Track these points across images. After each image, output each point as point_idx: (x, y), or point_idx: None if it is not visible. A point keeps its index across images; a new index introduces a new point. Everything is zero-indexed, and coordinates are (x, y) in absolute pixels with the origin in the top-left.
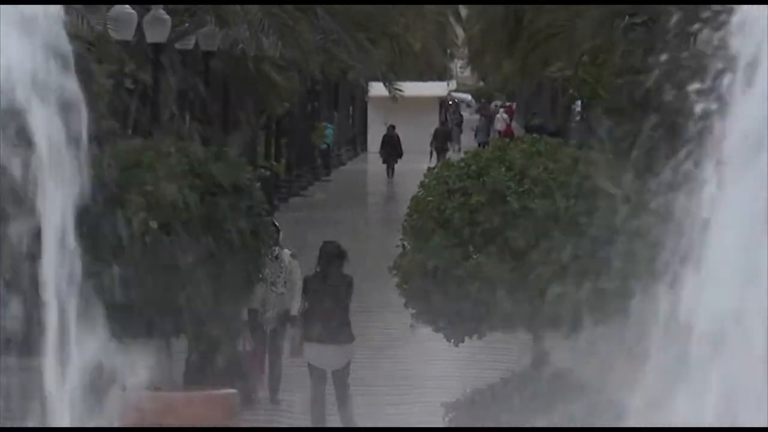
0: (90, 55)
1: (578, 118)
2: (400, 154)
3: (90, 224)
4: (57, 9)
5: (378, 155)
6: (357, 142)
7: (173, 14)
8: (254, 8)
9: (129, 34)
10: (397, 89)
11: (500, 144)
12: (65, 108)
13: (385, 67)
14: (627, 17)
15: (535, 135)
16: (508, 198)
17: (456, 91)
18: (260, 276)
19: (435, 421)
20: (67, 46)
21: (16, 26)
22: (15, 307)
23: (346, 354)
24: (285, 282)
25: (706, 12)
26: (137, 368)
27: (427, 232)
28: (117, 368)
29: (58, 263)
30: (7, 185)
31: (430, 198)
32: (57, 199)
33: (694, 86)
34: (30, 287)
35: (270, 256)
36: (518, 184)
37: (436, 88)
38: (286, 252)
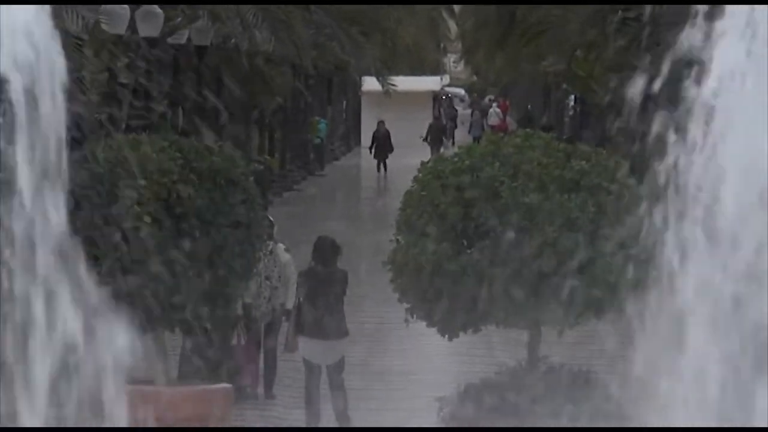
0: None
1: (571, 113)
2: (390, 150)
3: (83, 218)
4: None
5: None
6: (350, 137)
7: (166, 9)
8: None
9: (121, 29)
10: (390, 84)
11: (494, 139)
12: (56, 100)
13: (378, 61)
14: (620, 12)
15: (528, 130)
16: (502, 193)
17: (449, 85)
18: (254, 270)
19: (429, 416)
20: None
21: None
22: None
23: (340, 348)
24: (279, 276)
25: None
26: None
27: (421, 227)
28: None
29: (52, 257)
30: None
31: (423, 193)
32: (52, 194)
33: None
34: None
35: (264, 251)
36: (512, 178)
37: (429, 83)
38: (281, 246)
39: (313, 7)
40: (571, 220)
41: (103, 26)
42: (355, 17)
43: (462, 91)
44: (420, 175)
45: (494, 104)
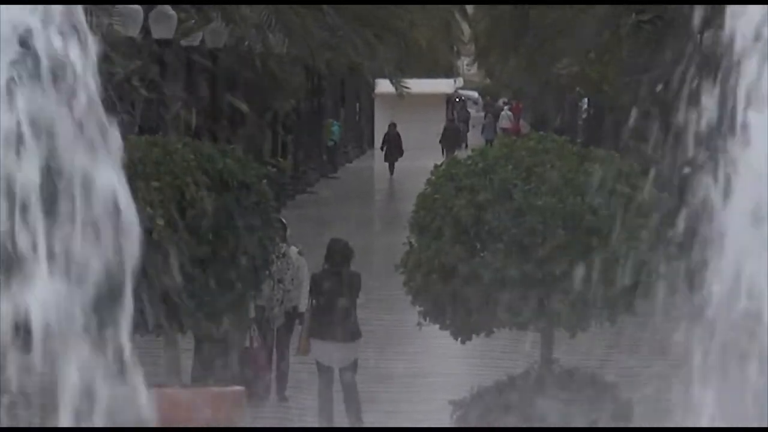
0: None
1: (585, 115)
2: (401, 153)
3: None
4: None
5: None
6: (363, 139)
7: (179, 10)
8: (260, 5)
9: (135, 31)
10: (403, 86)
11: (507, 141)
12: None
13: (392, 64)
14: (634, 15)
15: (541, 132)
16: (515, 195)
17: (463, 88)
18: (267, 273)
19: (442, 419)
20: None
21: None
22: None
23: (353, 351)
24: (292, 279)
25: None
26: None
27: (434, 230)
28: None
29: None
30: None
31: (437, 195)
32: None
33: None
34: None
35: (277, 253)
36: (525, 181)
37: (442, 85)
38: (293, 249)
39: (326, 8)
40: (584, 224)
41: (117, 28)
42: (369, 19)
43: (475, 94)
44: (433, 177)
45: (506, 107)
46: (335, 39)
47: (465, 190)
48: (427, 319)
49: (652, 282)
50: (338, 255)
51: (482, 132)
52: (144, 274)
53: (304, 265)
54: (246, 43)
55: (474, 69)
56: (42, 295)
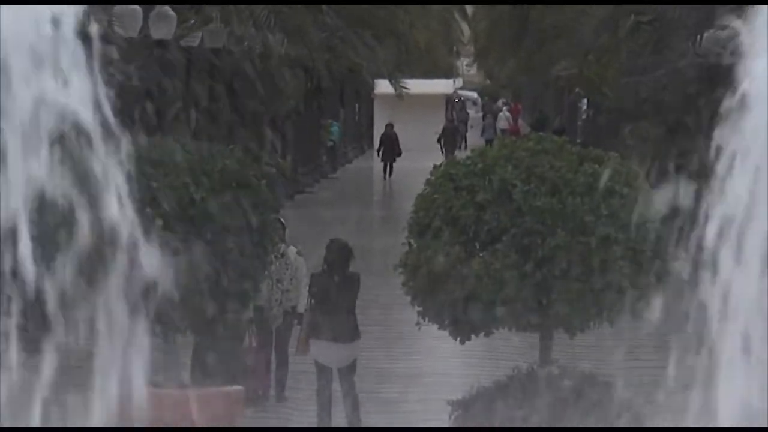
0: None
1: (584, 116)
2: (398, 153)
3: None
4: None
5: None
6: (363, 140)
7: (179, 11)
8: (260, 5)
9: (134, 31)
10: (403, 87)
11: (507, 142)
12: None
13: (391, 64)
14: (633, 16)
15: (541, 133)
16: (515, 196)
17: (462, 88)
18: (266, 273)
19: (441, 419)
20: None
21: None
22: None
23: (352, 351)
24: (291, 279)
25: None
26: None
27: (434, 230)
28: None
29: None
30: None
31: (436, 195)
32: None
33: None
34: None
35: (276, 254)
36: (525, 182)
37: (442, 86)
38: (292, 249)
39: (325, 9)
40: (583, 224)
41: (116, 28)
42: (368, 20)
43: (475, 95)
44: (432, 177)
45: (504, 108)
46: (334, 40)
47: (464, 191)
48: (426, 319)
49: (650, 283)
50: (337, 255)
51: (482, 133)
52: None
53: (302, 265)
54: (245, 43)
55: (473, 70)
56: None
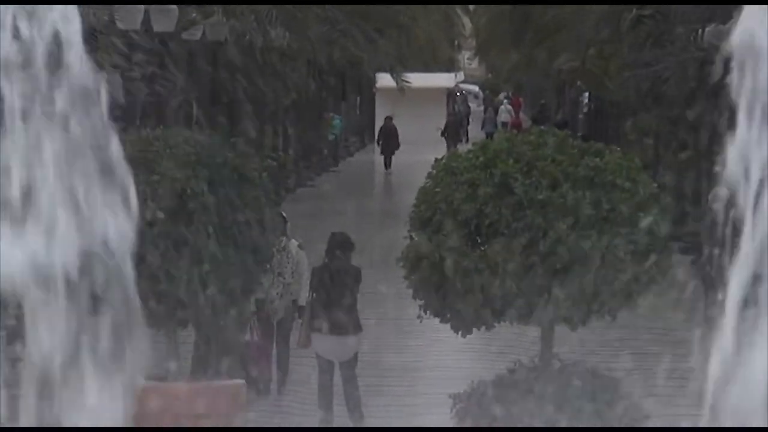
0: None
1: (585, 110)
2: (397, 146)
3: None
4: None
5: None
6: (364, 133)
7: (180, 4)
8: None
9: (135, 24)
10: (404, 80)
11: (508, 135)
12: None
13: (393, 58)
14: (634, 10)
15: (542, 127)
16: (516, 189)
17: (464, 82)
18: (267, 267)
19: (443, 413)
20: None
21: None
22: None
23: (353, 345)
24: (292, 273)
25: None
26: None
27: (435, 223)
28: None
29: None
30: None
31: (437, 189)
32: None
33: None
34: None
35: (277, 247)
36: (526, 175)
37: (443, 80)
38: (294, 242)
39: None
40: (584, 217)
41: (117, 22)
42: (370, 14)
43: (476, 88)
44: (434, 171)
45: (505, 101)
46: (336, 33)
47: (465, 184)
48: (428, 312)
49: (654, 276)
50: (339, 248)
51: (482, 126)
52: (144, 266)
53: (304, 258)
54: (247, 37)
55: (475, 63)
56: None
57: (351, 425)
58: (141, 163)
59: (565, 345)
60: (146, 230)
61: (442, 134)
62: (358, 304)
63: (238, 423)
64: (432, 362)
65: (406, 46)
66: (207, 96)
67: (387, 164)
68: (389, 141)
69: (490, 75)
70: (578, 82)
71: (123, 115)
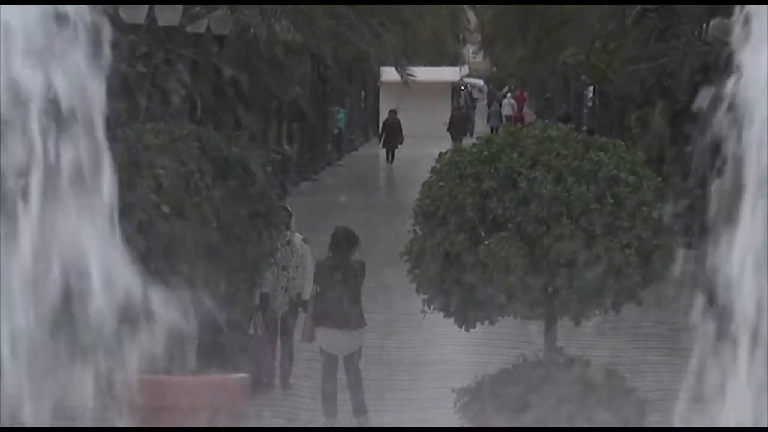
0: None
1: (590, 104)
2: (400, 140)
3: None
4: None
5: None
6: (369, 127)
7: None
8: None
9: (140, 17)
10: (409, 74)
11: (512, 130)
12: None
13: (398, 52)
14: (639, 5)
15: (546, 121)
16: (520, 184)
17: (468, 76)
18: (272, 260)
19: (446, 407)
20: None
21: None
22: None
23: (357, 339)
24: (296, 266)
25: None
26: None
27: (439, 218)
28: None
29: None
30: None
31: (441, 183)
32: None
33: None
34: None
35: (282, 241)
36: (530, 169)
37: (448, 74)
38: (298, 236)
39: None
40: (588, 212)
41: (122, 15)
42: (375, 7)
43: (481, 82)
44: (438, 165)
45: (509, 95)
46: (341, 27)
47: (470, 178)
48: (432, 306)
49: (659, 270)
50: (343, 242)
51: (487, 120)
52: (148, 260)
53: (308, 252)
54: (252, 30)
55: (480, 57)
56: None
57: (354, 419)
58: (145, 156)
59: (569, 339)
60: (150, 223)
61: (448, 129)
62: (362, 298)
63: (241, 417)
64: (436, 356)
65: (411, 40)
66: (211, 90)
67: (389, 158)
68: (393, 135)
69: (494, 69)
70: (583, 76)
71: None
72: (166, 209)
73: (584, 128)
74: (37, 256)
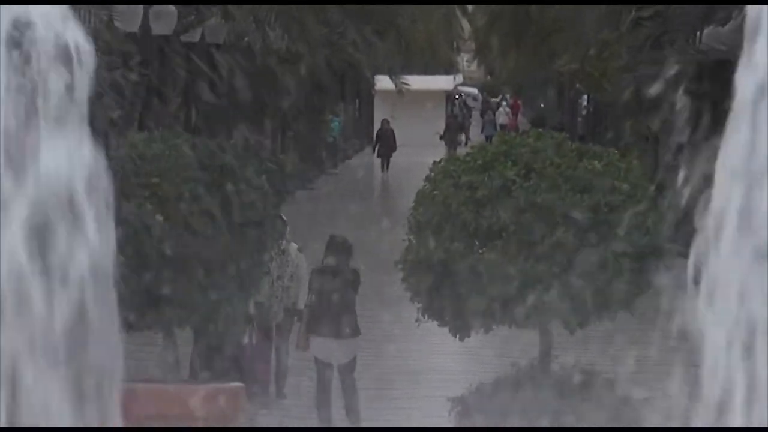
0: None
1: (584, 112)
2: (394, 149)
3: None
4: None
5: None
6: (363, 136)
7: (179, 6)
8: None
9: (134, 26)
10: (403, 83)
11: (507, 138)
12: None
13: (392, 60)
14: (633, 11)
15: (540, 129)
16: (514, 192)
17: (462, 84)
18: (266, 269)
19: (441, 416)
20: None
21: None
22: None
23: (352, 348)
24: (291, 275)
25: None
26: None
27: (434, 226)
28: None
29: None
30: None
31: (436, 192)
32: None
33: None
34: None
35: (276, 250)
36: (524, 178)
37: (442, 82)
38: (293, 245)
39: (326, 5)
40: (583, 221)
41: (116, 24)
42: (369, 16)
43: (475, 90)
44: (432, 174)
45: (504, 103)
46: (335, 35)
47: (464, 187)
48: (426, 315)
49: (653, 279)
50: (338, 251)
51: (482, 130)
52: (143, 269)
53: (303, 261)
54: (245, 39)
55: (474, 66)
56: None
57: (347, 419)
58: (139, 166)
59: (564, 348)
60: (145, 233)
61: (442, 138)
62: (356, 306)
63: (236, 426)
64: (431, 365)
65: (405, 49)
66: (206, 98)
67: (384, 167)
68: (387, 144)
69: (488, 77)
70: (577, 84)
71: (122, 118)
72: (160, 218)
73: (579, 136)
74: None
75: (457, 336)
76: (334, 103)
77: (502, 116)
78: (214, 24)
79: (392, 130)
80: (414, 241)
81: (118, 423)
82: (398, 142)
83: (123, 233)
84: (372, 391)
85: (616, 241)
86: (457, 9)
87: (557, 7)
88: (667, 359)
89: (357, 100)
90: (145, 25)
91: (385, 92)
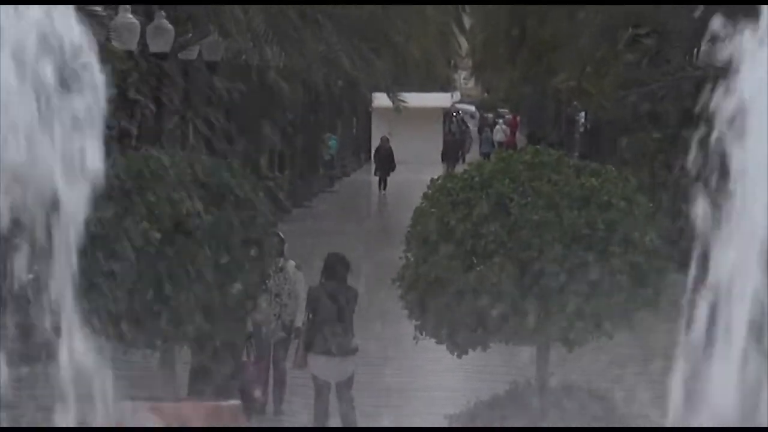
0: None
1: (582, 129)
2: (392, 167)
3: (94, 234)
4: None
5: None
6: (361, 153)
7: (176, 24)
8: (257, 17)
9: (132, 44)
10: (400, 100)
11: (504, 155)
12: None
13: (389, 78)
14: (631, 29)
15: (537, 146)
16: (511, 210)
17: (460, 102)
18: (264, 287)
19: None
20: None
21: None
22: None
23: (349, 365)
24: (289, 293)
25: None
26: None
27: (431, 244)
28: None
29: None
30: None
31: (433, 209)
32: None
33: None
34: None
35: (274, 268)
36: (521, 195)
37: (439, 100)
38: (291, 263)
39: (322, 21)
40: (580, 237)
41: (114, 42)
42: (366, 33)
43: (473, 108)
44: (430, 191)
45: (500, 121)
46: (332, 53)
47: (461, 205)
48: (424, 332)
49: (650, 296)
50: (335, 269)
51: (480, 147)
52: (140, 287)
53: (301, 279)
54: (243, 57)
55: (471, 83)
56: None
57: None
58: (138, 182)
59: (562, 365)
60: (141, 250)
61: (443, 158)
62: (354, 324)
63: None
64: (428, 383)
65: (402, 66)
66: (203, 116)
67: (382, 185)
68: (385, 162)
69: (486, 94)
70: (574, 101)
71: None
72: (158, 236)
73: (576, 153)
74: None
75: (455, 353)
76: (331, 120)
77: (499, 133)
78: (211, 41)
79: (391, 149)
80: (411, 259)
81: None
82: (396, 159)
83: (121, 251)
84: (370, 408)
85: (614, 258)
86: (454, 26)
87: (554, 23)
88: (665, 375)
89: (354, 118)
90: (142, 44)
91: (383, 110)
